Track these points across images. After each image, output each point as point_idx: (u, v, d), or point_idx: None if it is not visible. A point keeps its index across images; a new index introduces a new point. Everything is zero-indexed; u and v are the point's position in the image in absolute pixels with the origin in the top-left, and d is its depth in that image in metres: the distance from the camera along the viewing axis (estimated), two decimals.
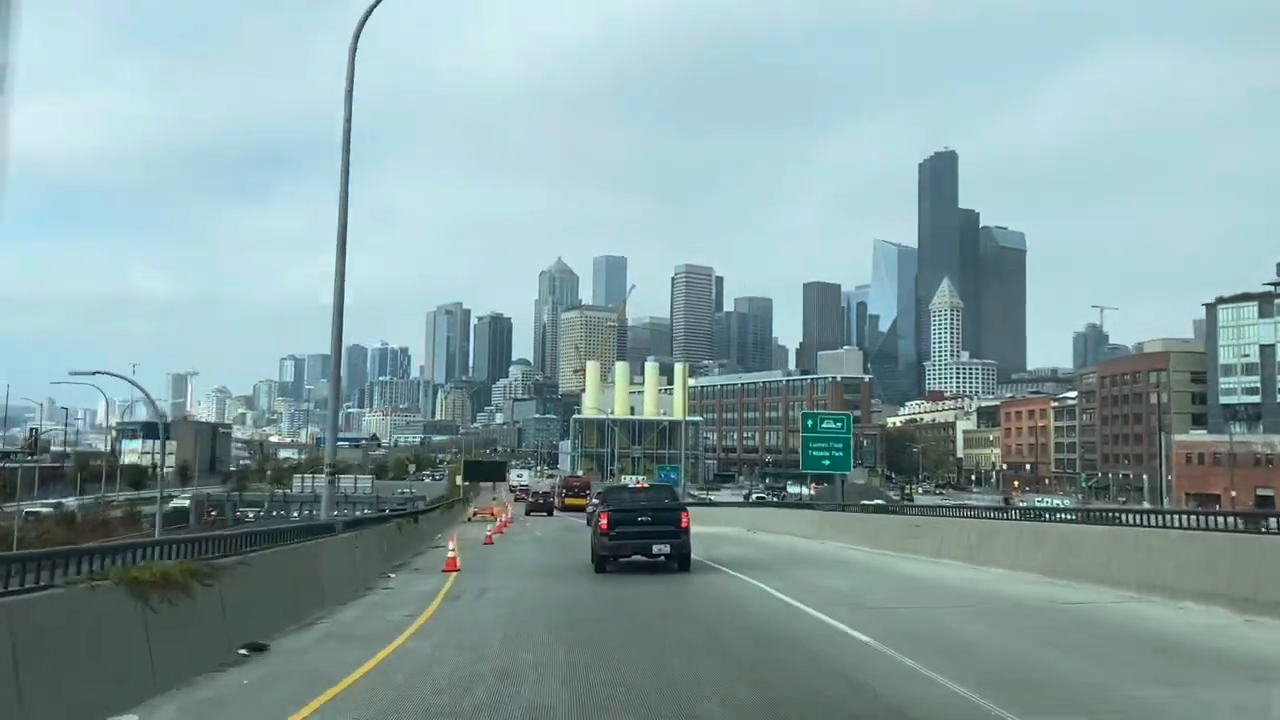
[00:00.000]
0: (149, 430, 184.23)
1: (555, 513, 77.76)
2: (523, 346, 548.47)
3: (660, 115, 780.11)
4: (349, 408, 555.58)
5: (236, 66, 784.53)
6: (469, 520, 56.05)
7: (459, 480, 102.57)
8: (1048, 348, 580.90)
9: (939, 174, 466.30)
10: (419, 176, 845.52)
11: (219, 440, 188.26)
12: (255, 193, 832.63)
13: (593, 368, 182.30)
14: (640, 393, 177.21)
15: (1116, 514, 22.01)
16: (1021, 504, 72.47)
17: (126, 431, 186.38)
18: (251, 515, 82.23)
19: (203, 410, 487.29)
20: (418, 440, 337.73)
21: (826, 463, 49.88)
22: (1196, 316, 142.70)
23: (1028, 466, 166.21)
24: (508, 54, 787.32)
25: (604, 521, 22.71)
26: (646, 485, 32.94)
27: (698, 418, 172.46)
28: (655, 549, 22.12)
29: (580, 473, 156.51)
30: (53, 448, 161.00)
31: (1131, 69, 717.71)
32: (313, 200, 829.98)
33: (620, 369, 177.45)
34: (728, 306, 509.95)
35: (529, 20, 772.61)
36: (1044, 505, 68.67)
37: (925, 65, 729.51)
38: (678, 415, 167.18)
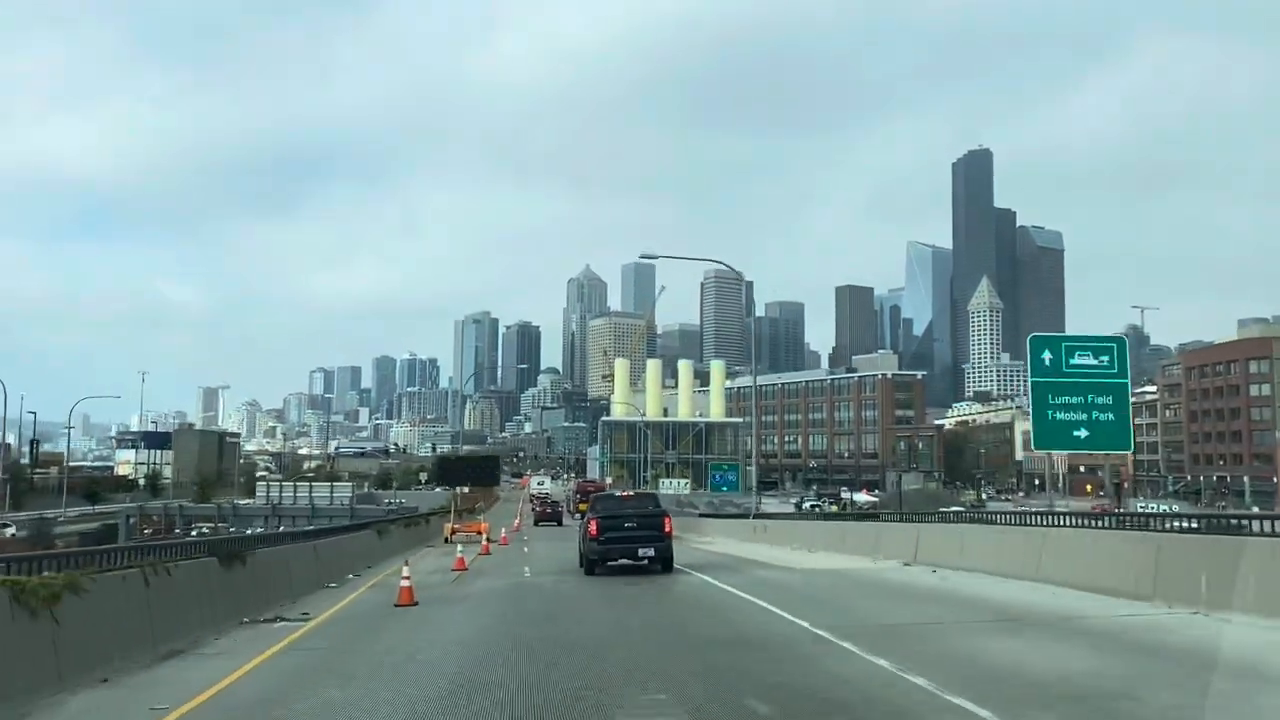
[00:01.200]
0: (149, 440, 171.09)
1: (566, 521, 70.89)
2: (551, 355, 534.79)
3: (688, 119, 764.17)
4: (377, 419, 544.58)
5: (260, 77, 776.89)
6: (448, 538, 40.14)
7: (461, 489, 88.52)
8: None
9: (973, 173, 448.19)
10: (446, 185, 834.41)
11: (226, 450, 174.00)
12: (283, 204, 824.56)
13: (622, 366, 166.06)
14: (673, 389, 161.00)
15: None
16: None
17: (125, 442, 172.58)
18: (207, 530, 67.25)
19: (233, 423, 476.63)
20: (444, 450, 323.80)
21: (1081, 435, 28.67)
22: (1241, 316, 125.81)
23: (1098, 469, 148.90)
24: (533, 59, 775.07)
25: (593, 528, 23.78)
26: (633, 494, 33.47)
27: (738, 419, 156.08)
28: (640, 553, 23.35)
29: (609, 479, 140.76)
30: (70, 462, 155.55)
31: (1174, 62, 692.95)
32: (340, 211, 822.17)
33: (652, 367, 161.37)
34: (758, 312, 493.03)
35: (554, 25, 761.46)
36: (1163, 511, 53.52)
37: (958, 62, 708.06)
38: (715, 415, 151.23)
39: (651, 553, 23.34)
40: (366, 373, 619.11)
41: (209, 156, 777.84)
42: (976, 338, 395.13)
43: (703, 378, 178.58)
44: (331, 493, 67.35)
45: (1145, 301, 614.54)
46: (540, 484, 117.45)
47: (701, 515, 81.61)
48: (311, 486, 66.70)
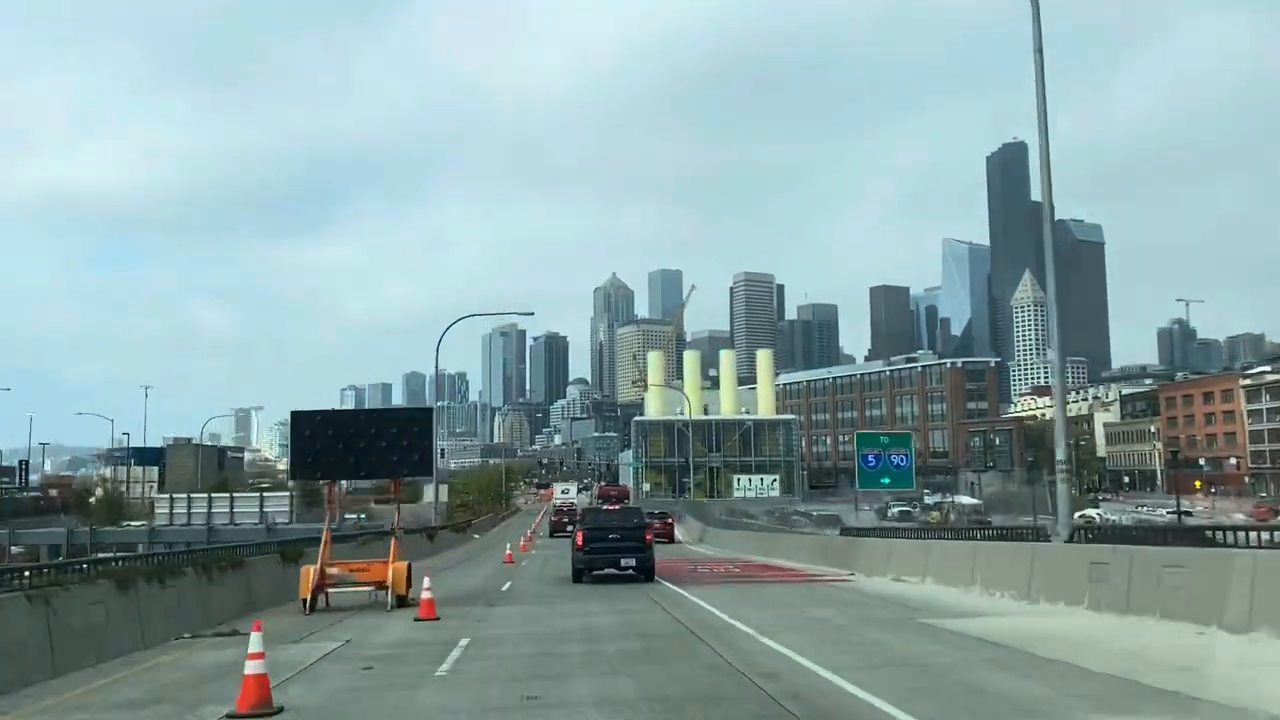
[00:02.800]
0: (140, 456, 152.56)
1: None
2: (579, 366, 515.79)
3: (714, 123, 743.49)
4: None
5: (284, 95, 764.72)
6: (310, 598, 18.62)
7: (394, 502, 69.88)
8: (1130, 345, 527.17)
9: (1009, 167, 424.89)
10: (470, 199, 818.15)
11: (227, 464, 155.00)
12: (313, 223, 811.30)
13: (657, 360, 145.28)
14: (709, 388, 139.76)
15: None
16: None
17: (115, 458, 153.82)
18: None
19: (265, 443, 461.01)
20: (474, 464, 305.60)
21: None
22: None
23: (1202, 462, 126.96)
24: (555, 68, 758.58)
25: (579, 539, 25.20)
26: (619, 508, 33.35)
27: (790, 415, 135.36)
28: (624, 563, 24.53)
29: (647, 486, 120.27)
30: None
31: (1215, 45, 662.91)
32: (369, 228, 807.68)
33: (690, 359, 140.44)
34: (789, 314, 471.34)
35: (578, 32, 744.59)
36: None
37: (989, 53, 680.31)
38: (764, 412, 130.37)
39: (633, 563, 24.50)
40: (397, 389, 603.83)
41: (237, 177, 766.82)
42: (1021, 334, 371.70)
43: (743, 380, 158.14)
44: (261, 507, 48.25)
45: (1190, 294, 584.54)
46: (565, 492, 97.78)
47: (767, 529, 61.34)
48: (232, 500, 47.95)
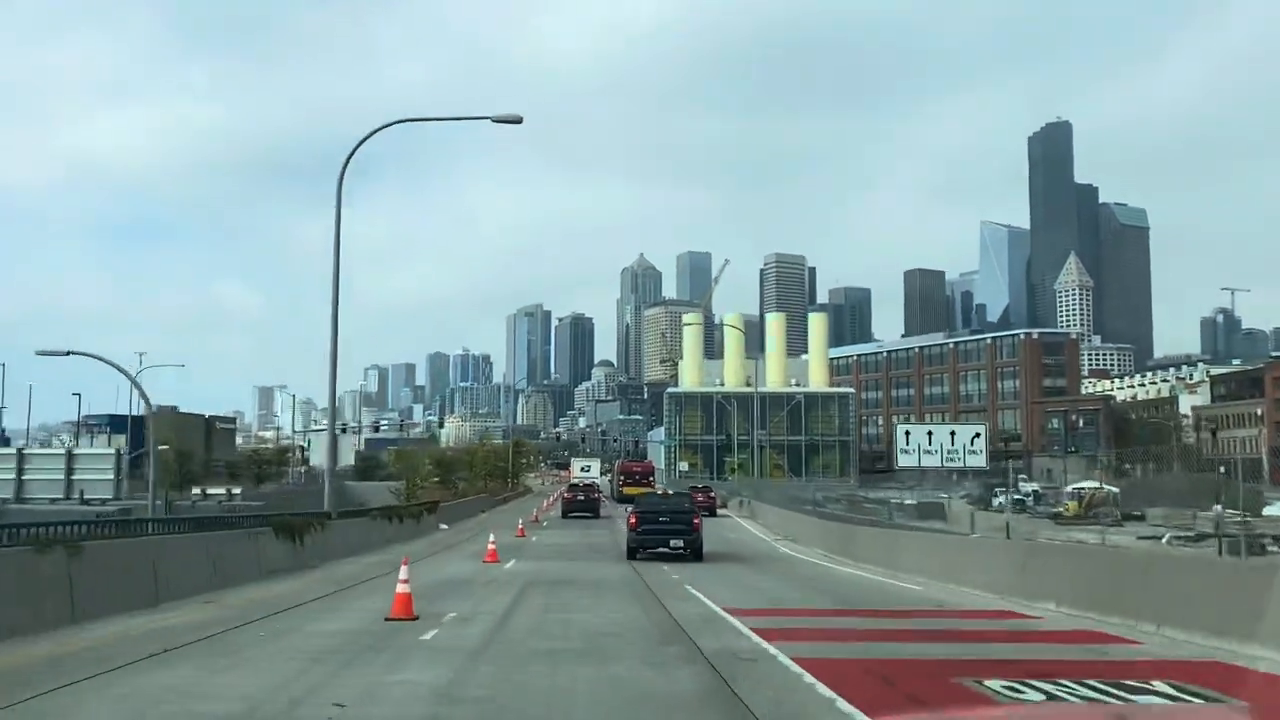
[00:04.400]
0: (116, 425, 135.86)
1: (606, 511, 55.33)
2: (605, 348, 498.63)
3: (745, 101, 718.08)
4: (430, 415, 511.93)
5: (304, 67, 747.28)
6: None
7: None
8: (1172, 333, 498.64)
9: (1052, 147, 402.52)
10: (496, 177, 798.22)
11: (216, 436, 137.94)
12: (331, 200, 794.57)
13: (693, 324, 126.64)
14: (748, 359, 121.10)
15: None
16: None
17: (90, 426, 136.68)
18: None
19: (285, 421, 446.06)
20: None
21: None
22: None
23: None
24: (582, 40, 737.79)
25: (632, 520, 27.44)
26: (671, 493, 36.19)
27: (846, 389, 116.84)
28: (673, 543, 26.37)
29: (684, 466, 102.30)
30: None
31: (1269, 23, 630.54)
32: (390, 207, 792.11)
33: (732, 322, 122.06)
34: (821, 298, 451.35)
35: (604, 5, 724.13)
36: None
37: (1031, 28, 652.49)
38: (816, 384, 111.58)
39: (681, 544, 26.36)
40: (420, 369, 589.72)
41: (260, 153, 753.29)
42: (1065, 319, 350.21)
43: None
44: (69, 475, 31.09)
45: (1236, 283, 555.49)
46: (585, 469, 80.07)
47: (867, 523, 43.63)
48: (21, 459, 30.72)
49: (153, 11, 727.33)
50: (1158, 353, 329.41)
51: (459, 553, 26.94)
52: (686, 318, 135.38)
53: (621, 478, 77.03)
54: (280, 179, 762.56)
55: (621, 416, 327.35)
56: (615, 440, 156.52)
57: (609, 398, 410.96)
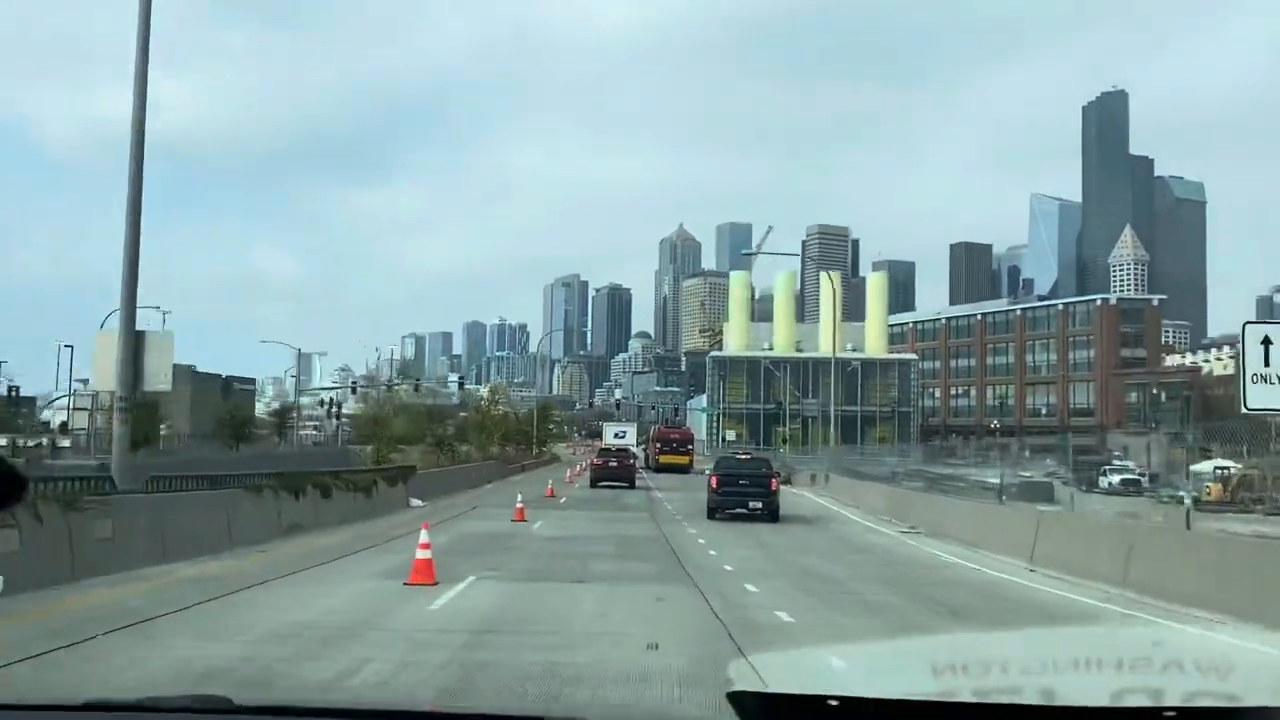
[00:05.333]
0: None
1: (642, 481, 46.92)
2: (642, 320, 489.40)
3: (788, 69, 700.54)
4: (467, 384, 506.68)
5: (342, 33, 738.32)
6: None
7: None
8: (1224, 312, 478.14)
9: (1107, 118, 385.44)
10: (535, 145, 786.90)
11: (234, 397, 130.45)
12: (376, 167, 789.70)
13: (739, 281, 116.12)
14: (803, 324, 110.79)
15: None
16: None
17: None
18: None
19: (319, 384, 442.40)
20: None
21: None
22: None
23: None
24: (627, 6, 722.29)
25: (714, 482, 28.36)
26: (749, 456, 33.04)
27: (908, 355, 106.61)
28: (751, 504, 27.32)
29: (731, 435, 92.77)
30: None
31: None
32: (432, 175, 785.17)
33: (783, 281, 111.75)
34: (864, 271, 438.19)
35: None
36: None
37: None
38: (873, 350, 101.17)
39: (760, 505, 27.28)
40: (457, 339, 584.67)
41: (297, 119, 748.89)
42: (1120, 293, 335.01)
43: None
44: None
45: None
46: (620, 435, 70.24)
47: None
48: None
49: None
50: (1212, 331, 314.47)
51: (383, 557, 17.20)
52: (734, 275, 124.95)
53: (658, 445, 68.33)
54: (316, 149, 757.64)
55: (658, 388, 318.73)
56: (653, 408, 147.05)
57: (646, 369, 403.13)
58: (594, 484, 43.93)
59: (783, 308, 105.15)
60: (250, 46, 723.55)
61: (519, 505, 25.40)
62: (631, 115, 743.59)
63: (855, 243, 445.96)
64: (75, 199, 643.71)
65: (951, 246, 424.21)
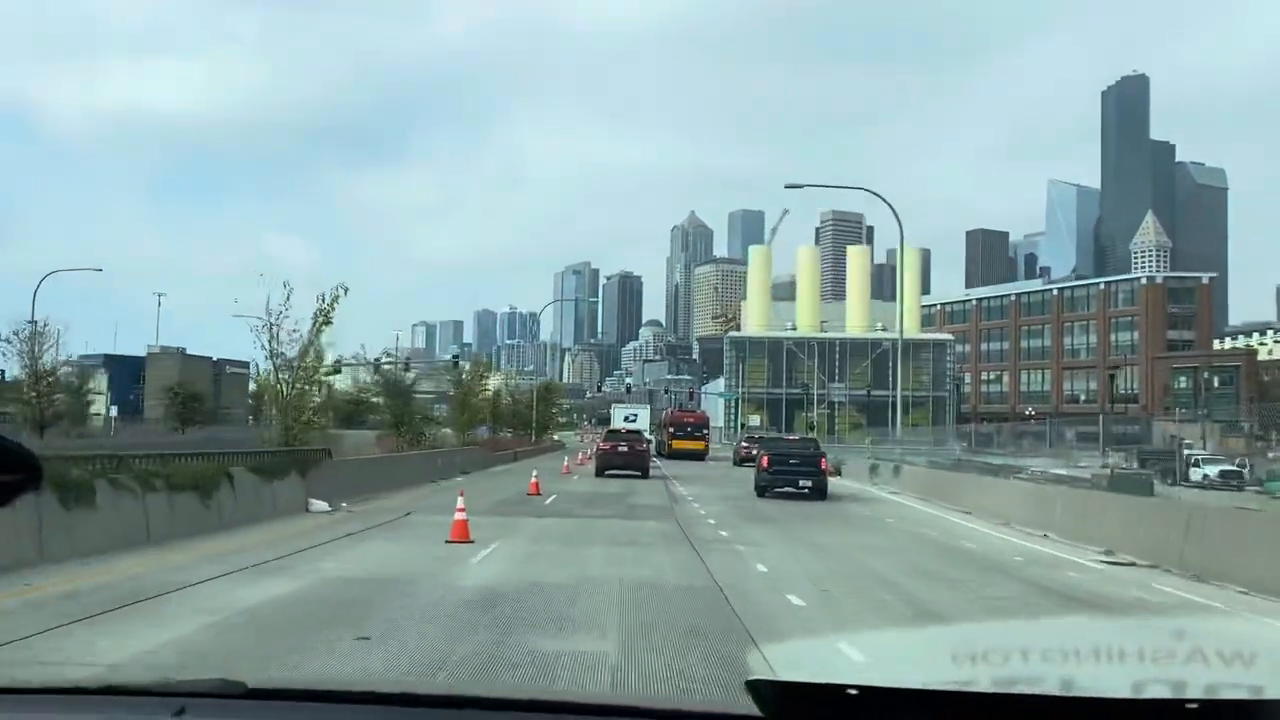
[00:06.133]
0: (115, 365, 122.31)
1: (655, 471, 38.74)
2: (653, 308, 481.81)
3: (800, 53, 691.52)
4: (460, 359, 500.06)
5: (348, 19, 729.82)
6: None
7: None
8: (1243, 301, 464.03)
9: (1127, 102, 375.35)
10: (546, 131, 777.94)
11: (224, 381, 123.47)
12: (387, 154, 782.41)
13: (759, 257, 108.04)
14: (829, 300, 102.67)
15: None
16: None
17: (88, 365, 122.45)
18: None
19: (332, 376, 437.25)
20: None
21: None
22: None
23: None
24: None
25: (765, 461, 28.59)
26: (797, 438, 36.84)
27: (944, 335, 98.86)
28: (801, 483, 27.35)
29: (752, 420, 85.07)
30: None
31: None
32: (443, 162, 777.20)
33: (806, 257, 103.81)
34: (878, 259, 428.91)
35: None
36: None
37: None
38: (909, 329, 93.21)
39: (810, 484, 27.40)
40: (468, 327, 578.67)
41: (312, 103, 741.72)
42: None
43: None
44: None
45: None
46: (630, 419, 61.91)
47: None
48: None
49: None
50: (1234, 319, 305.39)
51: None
52: (753, 249, 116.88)
53: (670, 429, 61.17)
54: (326, 135, 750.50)
55: (670, 376, 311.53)
56: (666, 391, 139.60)
57: (657, 357, 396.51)
58: (600, 472, 36.41)
59: (806, 283, 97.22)
60: (262, 32, 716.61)
61: (460, 516, 15.71)
62: (644, 101, 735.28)
63: (870, 229, 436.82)
64: None
65: (968, 234, 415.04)
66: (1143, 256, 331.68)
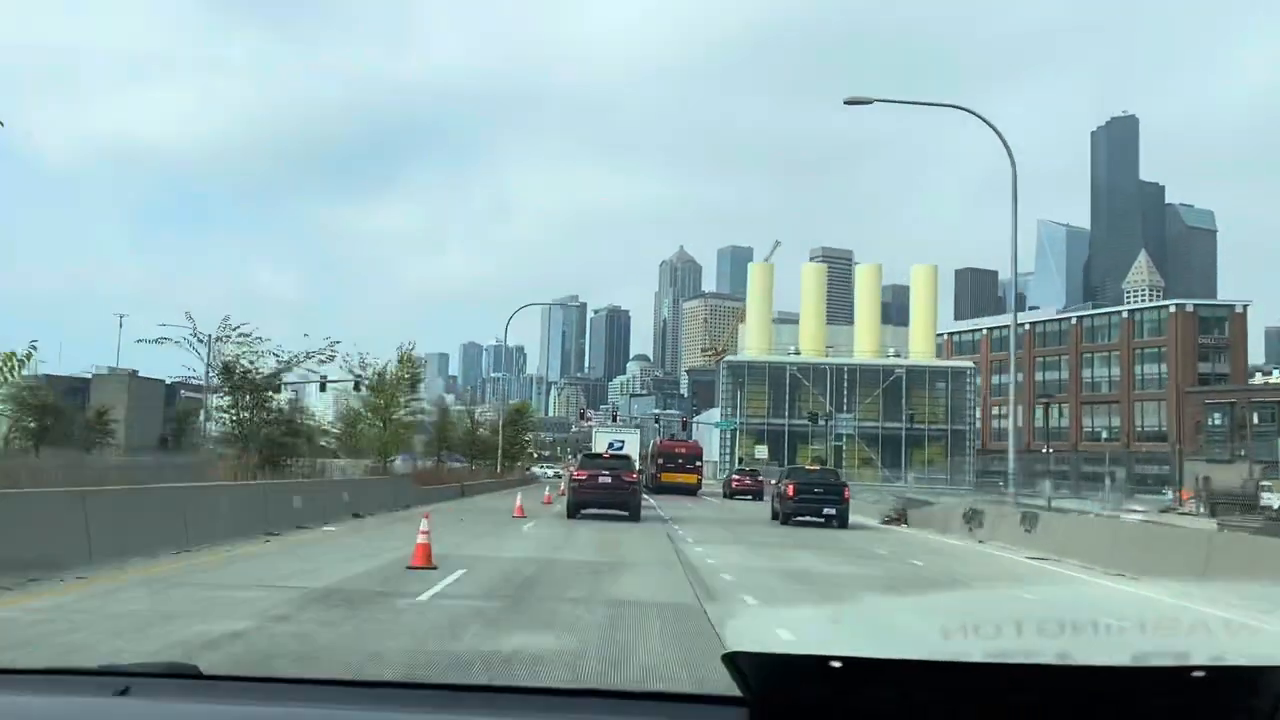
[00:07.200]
0: (63, 387, 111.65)
1: (647, 511, 30.25)
2: (640, 343, 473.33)
3: (789, 91, 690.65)
4: (454, 405, 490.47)
5: (342, 47, 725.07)
6: None
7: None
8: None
9: (1116, 143, 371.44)
10: (533, 164, 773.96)
11: (182, 406, 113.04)
12: (375, 185, 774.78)
13: (761, 274, 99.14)
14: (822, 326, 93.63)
15: None
16: None
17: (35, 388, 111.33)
18: None
19: (321, 405, 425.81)
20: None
21: None
22: None
23: None
24: (627, 24, 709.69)
25: (790, 489, 28.34)
26: (818, 467, 35.58)
27: (964, 362, 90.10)
28: (825, 511, 27.39)
29: (758, 452, 75.64)
30: None
31: None
32: (428, 195, 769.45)
33: (811, 274, 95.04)
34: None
35: None
36: None
37: (1097, 16, 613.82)
38: (918, 355, 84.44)
39: (833, 511, 27.30)
40: (454, 359, 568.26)
41: (297, 134, 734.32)
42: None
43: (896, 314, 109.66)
44: None
45: None
46: (617, 445, 50.90)
47: None
48: None
49: None
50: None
51: None
52: (753, 266, 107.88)
53: (660, 460, 52.94)
54: (316, 165, 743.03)
55: (657, 410, 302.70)
56: (656, 422, 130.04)
57: (644, 392, 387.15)
58: (573, 512, 26.63)
59: (811, 303, 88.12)
60: (251, 61, 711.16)
61: None
62: (632, 135, 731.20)
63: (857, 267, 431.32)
64: None
65: (956, 272, 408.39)
66: (1135, 295, 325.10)
